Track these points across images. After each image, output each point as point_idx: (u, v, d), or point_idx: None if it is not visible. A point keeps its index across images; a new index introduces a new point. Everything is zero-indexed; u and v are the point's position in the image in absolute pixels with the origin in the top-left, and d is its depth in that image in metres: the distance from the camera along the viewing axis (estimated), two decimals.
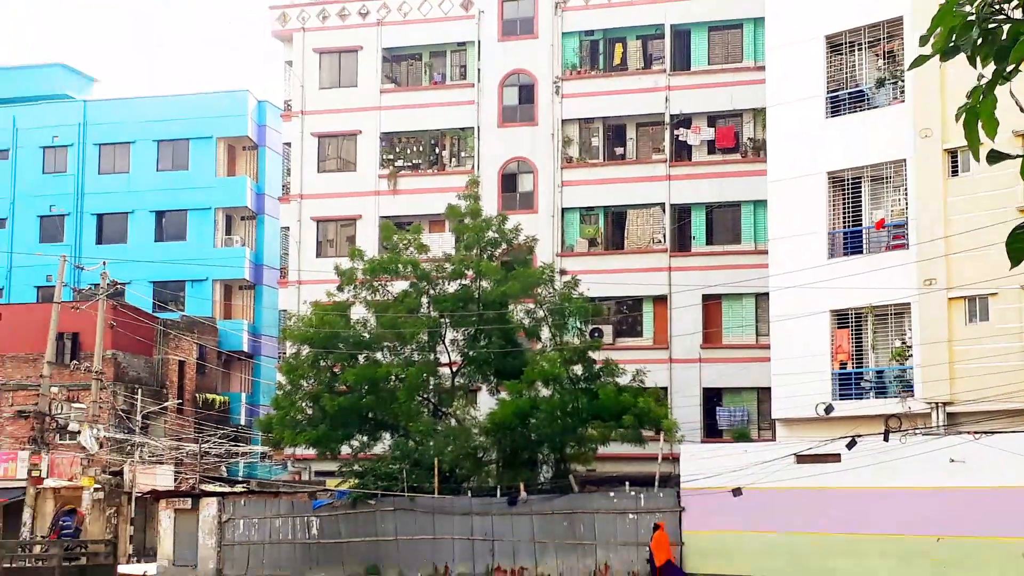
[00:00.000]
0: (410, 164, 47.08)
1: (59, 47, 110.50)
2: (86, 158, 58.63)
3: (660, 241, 43.31)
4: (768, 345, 34.00)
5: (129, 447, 46.16)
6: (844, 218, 31.45)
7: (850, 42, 31.83)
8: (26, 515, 39.40)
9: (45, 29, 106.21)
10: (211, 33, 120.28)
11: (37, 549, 37.13)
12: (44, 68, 63.67)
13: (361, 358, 37.41)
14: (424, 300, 37.55)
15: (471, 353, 37.58)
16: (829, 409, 30.01)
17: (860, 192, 31.27)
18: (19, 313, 51.23)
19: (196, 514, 38.82)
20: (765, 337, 37.38)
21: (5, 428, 47.15)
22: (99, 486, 41.98)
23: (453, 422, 37.37)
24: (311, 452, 40.33)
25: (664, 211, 43.43)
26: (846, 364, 30.79)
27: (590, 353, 35.95)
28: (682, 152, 43.84)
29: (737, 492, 29.53)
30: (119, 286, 47.86)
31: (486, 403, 38.20)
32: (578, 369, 35.51)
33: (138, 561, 42.93)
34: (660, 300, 42.71)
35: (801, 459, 29.35)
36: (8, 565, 33.65)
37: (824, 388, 30.58)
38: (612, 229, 44.51)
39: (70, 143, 58.81)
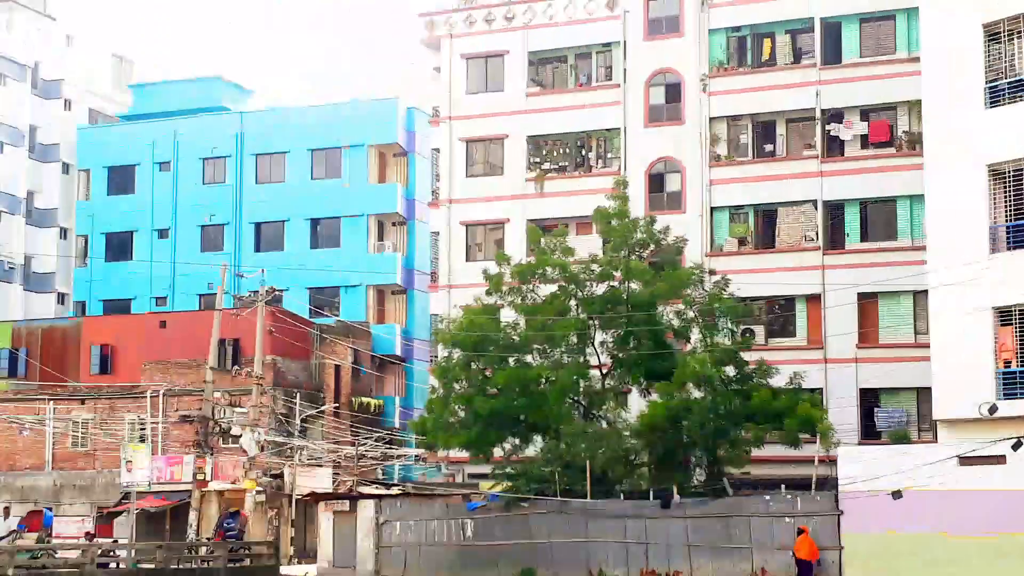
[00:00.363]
0: (557, 166, 47.15)
1: (216, 61, 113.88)
2: (243, 168, 60.37)
3: (812, 239, 42.51)
4: (927, 344, 32.97)
5: (288, 450, 47.31)
6: (1006, 211, 30.33)
7: (1009, 30, 30.71)
8: (192, 517, 40.70)
9: (203, 44, 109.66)
10: (361, 42, 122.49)
11: (203, 550, 38.30)
12: (203, 81, 65.80)
13: (511, 361, 37.58)
14: (572, 302, 37.54)
15: (620, 355, 37.41)
16: (993, 409, 28.97)
17: (1022, 184, 30.14)
18: (183, 320, 53.01)
19: (354, 516, 39.53)
20: (924, 336, 36.30)
21: (170, 432, 48.78)
22: (261, 489, 43.10)
23: (604, 424, 37.24)
24: (464, 454, 40.67)
25: (816, 208, 42.61)
26: (1010, 362, 29.69)
27: (742, 354, 35.45)
28: (834, 147, 42.94)
29: (897, 495, 28.74)
30: (277, 293, 49.09)
31: (637, 405, 38.00)
32: (730, 370, 35.04)
33: (299, 562, 43.97)
34: (813, 299, 41.90)
35: (964, 461, 28.43)
36: (175, 566, 34.79)
37: (987, 387, 29.51)
38: (762, 227, 43.84)
39: (228, 154, 60.64)
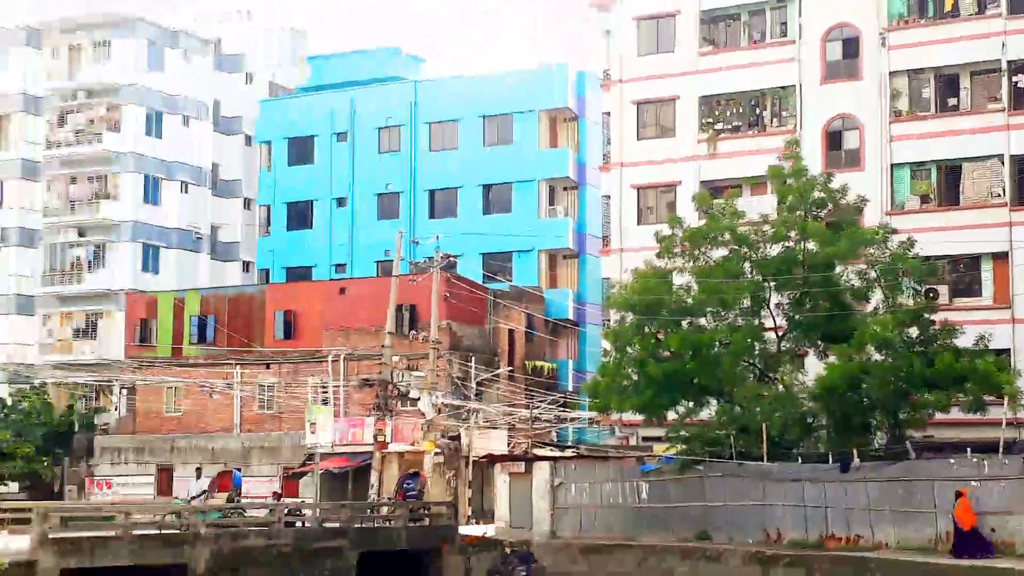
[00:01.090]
0: (730, 127, 46.41)
1: (390, 31, 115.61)
2: (418, 137, 61.28)
3: (999, 195, 40.90)
4: None
5: (465, 413, 48.04)
6: None
7: None
8: (373, 478, 41.76)
9: (377, 14, 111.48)
10: (530, 7, 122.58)
11: (384, 510, 39.25)
12: (377, 52, 66.90)
13: (684, 324, 37.33)
14: (746, 265, 37.02)
15: (797, 317, 36.78)
16: None
17: None
18: (361, 287, 54.24)
19: (529, 478, 39.99)
20: None
21: (352, 396, 50.07)
22: (439, 450, 43.92)
23: (780, 387, 36.70)
24: (637, 417, 40.64)
25: (1003, 163, 40.95)
26: None
27: (925, 315, 34.42)
28: (1021, 100, 41.15)
29: None
30: (451, 259, 49.76)
31: (814, 367, 37.30)
32: (912, 331, 34.06)
33: (476, 522, 44.68)
34: (1000, 257, 40.33)
35: None
36: (359, 525, 35.71)
37: None
38: (946, 184, 42.36)
39: (403, 123, 61.62)
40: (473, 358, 51.23)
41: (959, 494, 29.50)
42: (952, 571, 27.54)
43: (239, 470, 46.60)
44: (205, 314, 56.39)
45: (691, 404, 37.55)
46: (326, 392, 50.59)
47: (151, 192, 62.79)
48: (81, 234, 62.01)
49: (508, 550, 37.40)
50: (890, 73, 43.11)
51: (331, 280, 58.45)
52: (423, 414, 42.82)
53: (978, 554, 28.55)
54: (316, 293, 55.53)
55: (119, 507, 33.15)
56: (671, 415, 38.00)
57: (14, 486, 53.76)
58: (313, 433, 44.56)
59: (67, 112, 62.51)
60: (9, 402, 57.25)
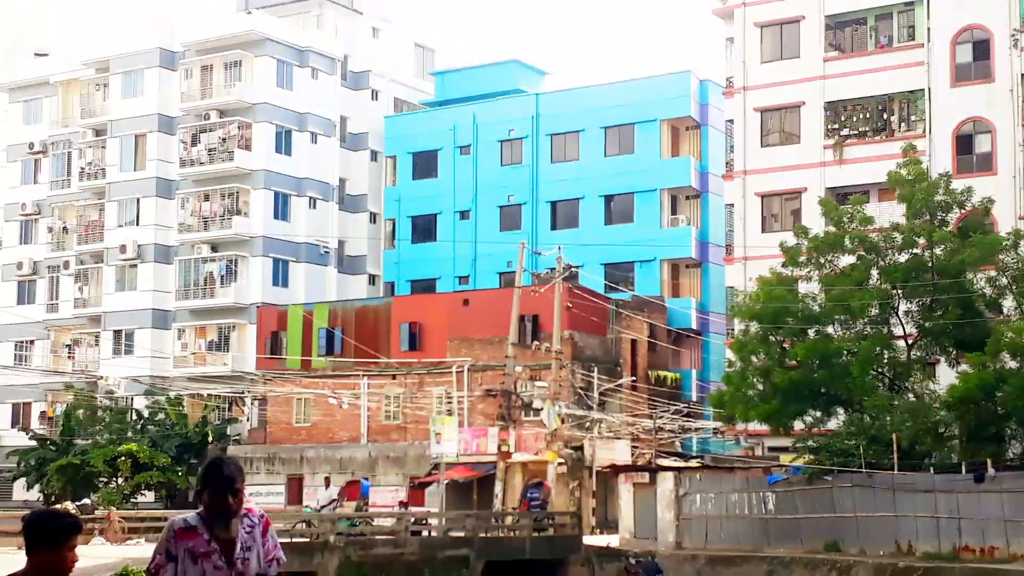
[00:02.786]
0: (856, 132, 45.72)
1: (512, 44, 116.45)
2: (539, 148, 61.51)
3: None
4: None
5: (588, 423, 48.01)
6: None
7: None
8: (497, 488, 41.98)
9: (499, 28, 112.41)
10: (651, 17, 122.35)
11: (508, 520, 39.44)
12: (499, 65, 67.37)
13: (811, 332, 36.84)
14: (873, 272, 36.38)
15: (927, 324, 36.01)
16: None
17: None
18: (484, 298, 54.60)
19: (654, 488, 39.81)
20: None
21: (476, 406, 50.43)
22: (562, 460, 43.98)
23: (911, 396, 35.97)
24: (764, 427, 40.21)
25: None
26: None
27: None
28: None
29: None
30: (573, 269, 49.79)
31: (946, 376, 36.46)
32: None
33: (601, 533, 44.60)
34: None
35: None
36: (484, 535, 35.98)
37: None
38: None
39: (525, 135, 61.90)
40: (595, 368, 51.18)
41: None
42: None
43: (367, 480, 47.26)
44: (333, 326, 57.37)
45: (819, 414, 37.06)
46: (450, 402, 51.06)
47: (280, 208, 64.16)
48: (214, 249, 63.63)
49: (633, 560, 37.27)
50: (1022, 75, 41.99)
51: (455, 292, 58.97)
52: (546, 424, 42.92)
53: None
54: (440, 305, 56.07)
55: None
56: (798, 425, 37.55)
57: (150, 496, 55.35)
58: (438, 443, 44.96)
59: (200, 131, 64.27)
60: (146, 414, 58.97)
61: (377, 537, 33.74)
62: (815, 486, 35.56)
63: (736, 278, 46.41)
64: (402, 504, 44.81)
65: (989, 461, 31.99)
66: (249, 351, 60.84)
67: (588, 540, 39.32)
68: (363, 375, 53.88)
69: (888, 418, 34.29)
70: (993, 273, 35.10)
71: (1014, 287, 34.47)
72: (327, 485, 44.02)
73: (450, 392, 51.35)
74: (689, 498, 38.84)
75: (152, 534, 33.49)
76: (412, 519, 36.66)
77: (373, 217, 68.76)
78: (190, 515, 6.22)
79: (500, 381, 44.09)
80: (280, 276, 63.53)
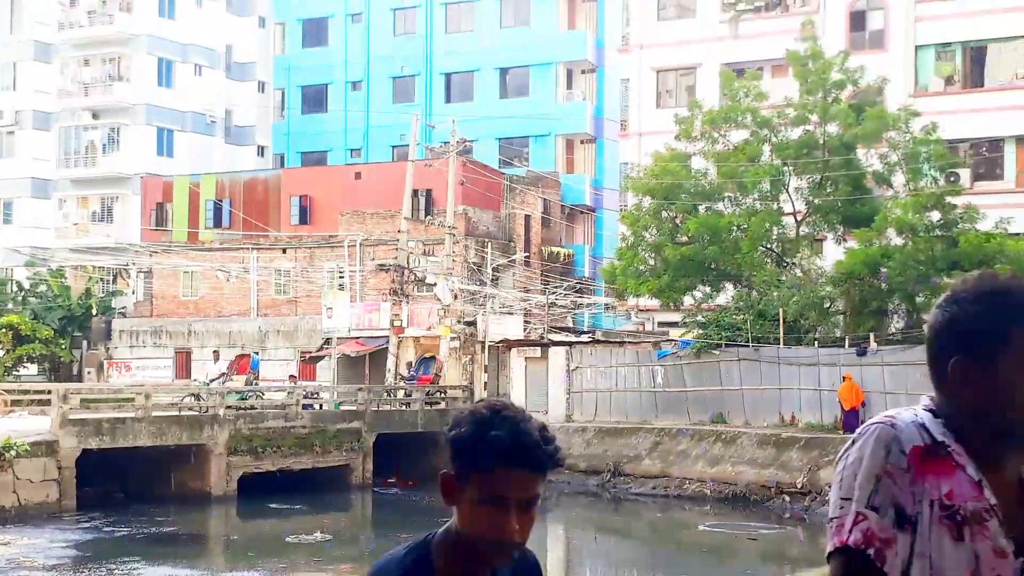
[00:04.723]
0: (752, 7, 45.45)
1: None
2: (433, 18, 60.26)
3: None
4: None
5: (481, 298, 48.02)
6: None
7: None
8: (390, 362, 41.93)
9: None
10: None
11: (401, 394, 39.47)
12: None
13: (702, 208, 37.04)
14: (766, 148, 36.57)
15: (816, 201, 36.44)
16: None
17: None
18: (377, 172, 53.87)
19: (545, 362, 40.14)
20: None
21: (368, 281, 50.07)
22: (455, 335, 44.00)
23: (798, 272, 36.54)
24: (654, 303, 40.58)
25: None
26: None
27: (947, 199, 33.99)
28: None
29: None
30: (467, 143, 49.25)
31: (832, 253, 37.05)
32: (933, 216, 33.69)
33: None
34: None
35: None
36: (376, 408, 35.97)
37: None
38: (971, 66, 41.55)
39: (418, 4, 60.56)
40: (489, 244, 51.04)
41: (844, 378, 31.37)
42: None
43: (257, 354, 46.83)
44: (220, 199, 56.22)
45: (708, 289, 37.48)
46: (342, 277, 50.60)
47: (165, 75, 62.13)
48: (95, 117, 61.57)
49: None
50: None
51: (347, 165, 58.08)
52: (439, 299, 42.82)
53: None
54: (332, 178, 55.21)
55: (138, 389, 33.40)
56: (688, 300, 37.96)
57: (33, 369, 54.25)
58: (330, 318, 44.69)
59: None
60: (27, 285, 57.48)
61: (268, 411, 33.48)
62: (703, 360, 36.13)
63: (630, 154, 46.31)
64: (292, 378, 44.56)
65: (872, 335, 32.72)
66: (133, 223, 59.41)
67: None
68: (252, 249, 53.03)
69: (775, 293, 34.85)
70: (883, 150, 35.48)
71: (903, 165, 34.92)
72: (216, 359, 43.56)
73: (342, 267, 50.85)
74: (580, 372, 39.25)
75: (35, 407, 32.84)
76: (303, 393, 36.45)
77: (261, 86, 67.08)
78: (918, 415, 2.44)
79: (392, 256, 43.74)
80: (165, 146, 61.82)
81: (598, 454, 35.42)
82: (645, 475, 33.57)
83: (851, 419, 30.99)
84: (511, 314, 49.25)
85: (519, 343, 42.57)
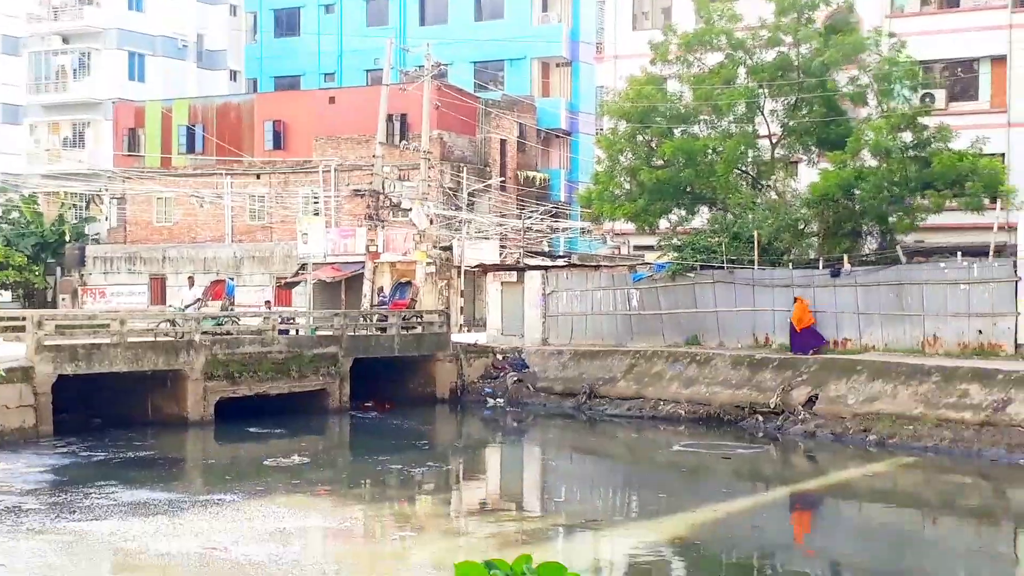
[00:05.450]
0: None
1: None
2: None
3: None
4: None
5: (457, 223, 47.97)
6: None
7: None
8: (366, 287, 41.91)
9: None
10: None
11: (377, 318, 39.45)
12: None
13: (678, 132, 36.96)
14: (741, 71, 36.42)
15: (791, 123, 36.40)
16: None
17: None
18: (351, 96, 53.49)
19: (521, 287, 40.20)
20: None
21: (343, 206, 49.91)
22: (431, 260, 44.01)
23: (773, 195, 36.59)
24: (630, 226, 40.61)
25: None
26: None
27: (920, 119, 34.01)
28: None
29: None
30: (442, 67, 48.88)
31: (807, 175, 37.09)
32: (907, 136, 33.72)
33: (469, 331, 45.11)
34: (999, 60, 39.61)
35: None
36: (352, 333, 36.00)
37: None
38: None
39: None
40: (464, 168, 50.89)
41: (796, 299, 32.13)
42: (934, 369, 27.86)
43: (232, 279, 46.77)
44: (193, 124, 55.75)
45: (683, 212, 37.52)
46: (317, 203, 50.41)
47: None
48: (65, 41, 60.76)
49: (500, 356, 37.86)
50: None
51: (320, 89, 57.61)
52: (415, 224, 42.74)
53: (810, 349, 31.60)
54: (305, 103, 54.81)
55: (113, 315, 33.29)
56: (663, 224, 38.00)
57: (7, 296, 54.07)
58: (305, 243, 44.59)
59: None
60: None
61: (244, 336, 33.48)
62: (678, 283, 36.26)
63: (606, 77, 46.04)
64: (268, 304, 44.55)
65: (845, 257, 32.87)
66: (105, 149, 58.92)
67: (456, 338, 39.73)
68: (226, 174, 52.72)
69: (750, 216, 34.91)
70: (856, 72, 35.40)
71: (876, 86, 34.84)
72: (191, 285, 43.43)
73: (317, 192, 50.64)
74: (555, 296, 39.35)
75: (9, 333, 32.78)
76: (279, 318, 36.44)
77: (233, 9, 66.24)
78: None
79: (368, 181, 43.52)
80: (136, 71, 61.10)
81: (574, 377, 35.64)
82: (620, 397, 33.82)
83: (801, 339, 31.98)
84: (487, 239, 49.29)
85: (495, 268, 42.61)
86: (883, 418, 27.31)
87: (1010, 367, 26.93)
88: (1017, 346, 29.39)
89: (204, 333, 32.03)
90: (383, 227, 42.62)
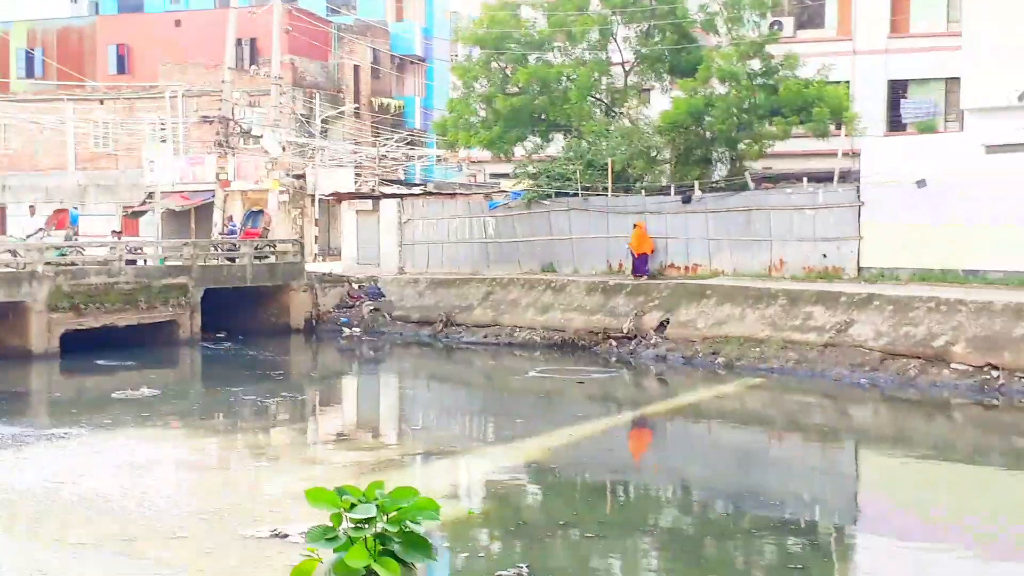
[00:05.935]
0: None
1: None
2: None
3: None
4: (959, 33, 32.01)
5: (310, 151, 47.22)
6: None
7: None
8: (216, 216, 41.03)
9: None
10: None
11: (227, 248, 38.70)
12: None
13: (532, 59, 36.89)
14: None
15: (644, 51, 36.62)
16: None
17: None
18: (198, 19, 51.99)
19: (377, 215, 39.88)
20: (956, 24, 35.23)
21: (191, 133, 48.66)
22: (284, 188, 43.29)
23: (626, 122, 36.87)
24: (485, 154, 40.53)
25: None
26: None
27: (769, 47, 34.54)
28: None
29: (921, 183, 28.56)
30: None
31: (659, 102, 37.46)
32: (755, 64, 34.24)
33: (323, 260, 44.63)
34: None
35: (991, 149, 27.96)
36: (203, 263, 35.28)
37: (1020, 75, 28.80)
38: None
39: None
40: (317, 95, 50.04)
41: (635, 226, 33.12)
42: (781, 292, 28.57)
43: (76, 208, 45.29)
44: (32, 47, 53.55)
45: (539, 140, 37.59)
46: (164, 129, 49.03)
47: None
48: None
49: (356, 286, 37.58)
50: None
51: (166, 12, 55.81)
52: (267, 152, 41.93)
53: (645, 274, 32.81)
54: (150, 26, 53.07)
55: None
56: (519, 151, 38.03)
57: None
58: (152, 171, 43.41)
59: None
60: None
61: (89, 267, 32.50)
62: (533, 211, 36.40)
63: (460, 3, 45.63)
64: (115, 233, 43.30)
65: (696, 183, 33.38)
66: None
67: (311, 267, 39.27)
68: (67, 99, 50.85)
69: (604, 143, 35.16)
70: (705, 0, 35.75)
71: (725, 14, 35.23)
72: (32, 214, 42.08)
73: (164, 118, 49.22)
74: (411, 224, 39.15)
75: None
76: (126, 248, 35.46)
77: None
78: None
79: (217, 107, 42.44)
80: None
81: (430, 305, 35.60)
82: (477, 324, 33.92)
83: (640, 264, 32.89)
84: (341, 167, 48.67)
85: (350, 196, 42.13)
86: (731, 341, 27.95)
87: (852, 290, 27.79)
88: (860, 269, 30.33)
89: (47, 264, 31.02)
90: (234, 155, 41.70)
